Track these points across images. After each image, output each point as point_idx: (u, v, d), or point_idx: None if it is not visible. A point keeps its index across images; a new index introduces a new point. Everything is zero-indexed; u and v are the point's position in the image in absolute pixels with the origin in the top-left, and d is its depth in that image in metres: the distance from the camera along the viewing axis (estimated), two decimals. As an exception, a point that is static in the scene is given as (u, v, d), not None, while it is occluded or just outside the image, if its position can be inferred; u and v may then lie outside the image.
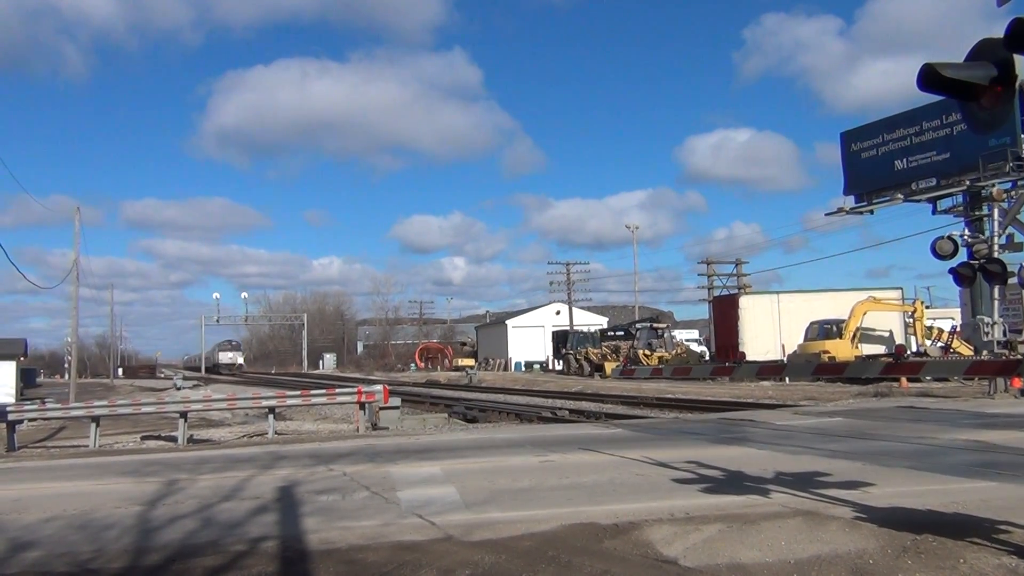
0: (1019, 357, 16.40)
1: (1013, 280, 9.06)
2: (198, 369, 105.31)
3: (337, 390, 18.96)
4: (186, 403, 17.88)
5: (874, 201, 28.26)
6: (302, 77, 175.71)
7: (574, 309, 67.97)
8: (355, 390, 17.81)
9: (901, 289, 39.43)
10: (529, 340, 70.41)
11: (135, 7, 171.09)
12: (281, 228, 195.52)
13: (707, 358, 45.22)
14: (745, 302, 40.26)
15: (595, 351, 47.00)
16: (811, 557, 5.16)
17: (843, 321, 33.91)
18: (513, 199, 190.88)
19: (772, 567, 5.00)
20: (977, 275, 8.71)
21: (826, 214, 31.37)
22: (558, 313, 70.53)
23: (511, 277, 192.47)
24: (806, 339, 34.86)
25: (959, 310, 31.94)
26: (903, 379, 24.50)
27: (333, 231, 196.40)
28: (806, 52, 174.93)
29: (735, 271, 58.58)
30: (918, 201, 26.62)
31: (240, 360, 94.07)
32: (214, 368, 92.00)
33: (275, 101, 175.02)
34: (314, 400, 18.35)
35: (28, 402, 23.65)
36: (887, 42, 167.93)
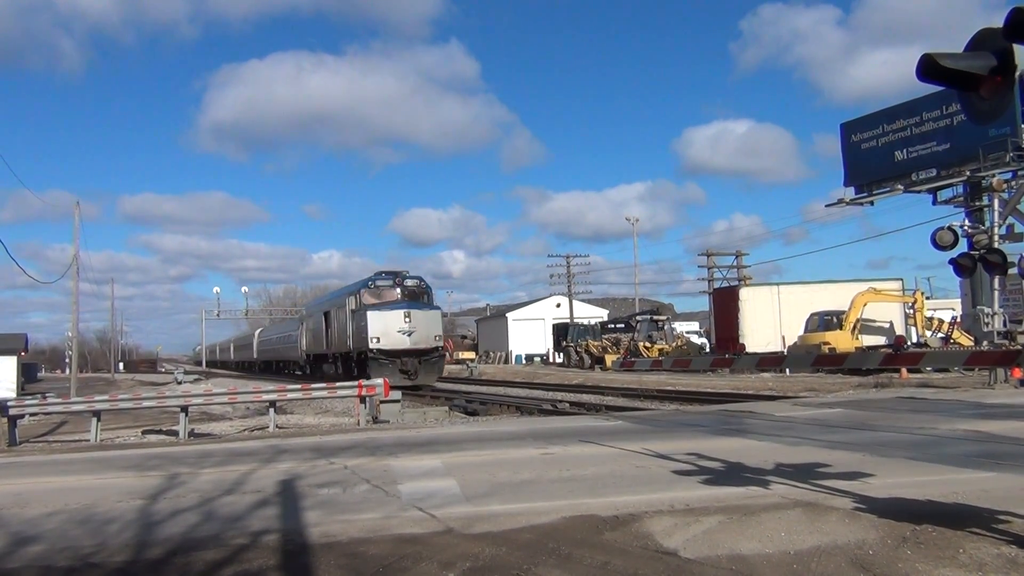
0: (1019, 347, 16.41)
1: (1013, 270, 9.05)
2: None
3: (338, 384, 19.01)
4: (187, 397, 17.88)
5: (874, 192, 28.20)
6: (298, 71, 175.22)
7: (574, 302, 67.99)
8: (356, 384, 17.84)
9: (901, 280, 39.56)
10: (529, 333, 70.54)
11: (131, 1, 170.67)
12: (280, 222, 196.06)
13: (707, 350, 45.25)
14: (745, 294, 40.33)
15: (595, 344, 47.04)
16: (811, 548, 5.17)
17: (843, 312, 33.96)
18: (512, 192, 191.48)
19: (772, 558, 5.01)
20: (977, 265, 8.71)
21: (826, 205, 31.38)
22: (558, 306, 70.60)
23: (511, 270, 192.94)
24: (806, 330, 34.90)
25: (959, 300, 31.96)
26: (903, 370, 24.55)
27: (332, 225, 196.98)
28: (804, 42, 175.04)
29: (735, 263, 58.57)
30: (918, 192, 26.57)
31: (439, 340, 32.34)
32: (355, 360, 31.74)
33: (271, 95, 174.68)
34: (315, 394, 18.39)
35: (29, 397, 23.71)
36: (886, 32, 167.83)
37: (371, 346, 29.21)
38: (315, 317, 39.59)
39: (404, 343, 29.37)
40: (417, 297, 31.50)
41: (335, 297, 37.01)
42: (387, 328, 29.28)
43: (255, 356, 62.13)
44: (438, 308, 32.96)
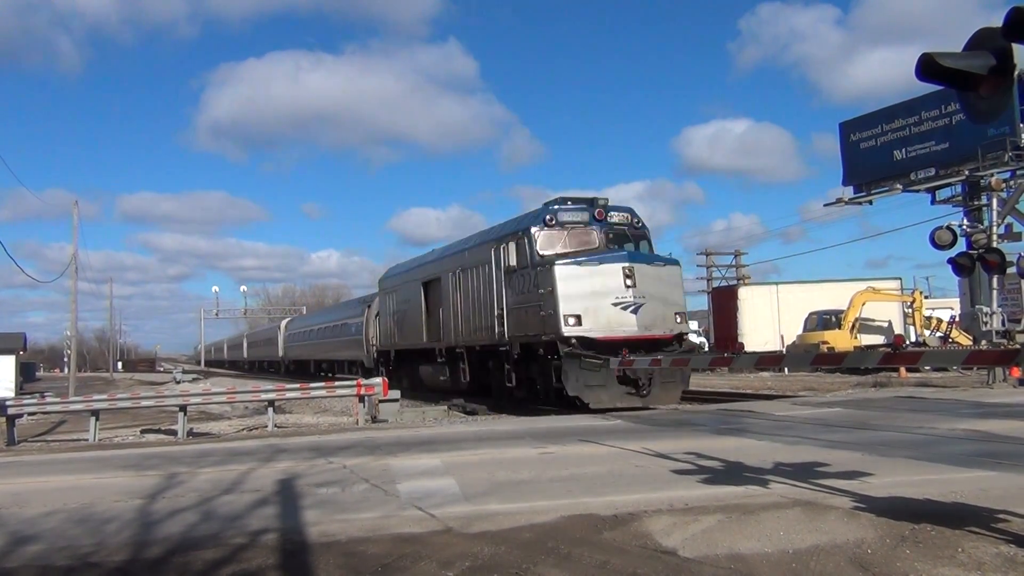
0: (1017, 346, 16.44)
1: (1011, 269, 9.07)
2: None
3: (336, 383, 19.02)
4: (185, 397, 17.87)
5: (873, 191, 28.19)
6: (296, 70, 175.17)
7: (573, 301, 67.68)
8: (354, 383, 17.84)
9: (900, 279, 39.63)
10: (528, 332, 69.84)
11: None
12: (279, 221, 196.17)
13: (706, 349, 45.26)
14: (744, 293, 40.39)
15: (594, 343, 46.83)
16: (810, 547, 5.17)
17: (842, 311, 34.03)
18: (511, 191, 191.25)
19: (771, 557, 5.01)
20: (976, 264, 8.73)
21: (825, 204, 31.35)
22: (557, 305, 70.27)
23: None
24: (805, 330, 34.99)
25: (958, 300, 31.99)
26: (902, 369, 24.60)
27: (331, 224, 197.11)
28: (803, 42, 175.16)
29: (734, 262, 58.66)
30: (917, 191, 26.57)
31: None
32: (514, 357, 17.04)
33: (270, 94, 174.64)
34: (313, 393, 18.39)
35: (27, 396, 23.67)
36: (885, 31, 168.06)
37: (565, 331, 15.51)
38: (403, 291, 24.69)
39: (628, 326, 15.75)
40: (631, 243, 17.48)
41: (462, 251, 20.74)
42: (594, 298, 15.77)
43: (280, 354, 49.73)
44: (676, 262, 17.80)
